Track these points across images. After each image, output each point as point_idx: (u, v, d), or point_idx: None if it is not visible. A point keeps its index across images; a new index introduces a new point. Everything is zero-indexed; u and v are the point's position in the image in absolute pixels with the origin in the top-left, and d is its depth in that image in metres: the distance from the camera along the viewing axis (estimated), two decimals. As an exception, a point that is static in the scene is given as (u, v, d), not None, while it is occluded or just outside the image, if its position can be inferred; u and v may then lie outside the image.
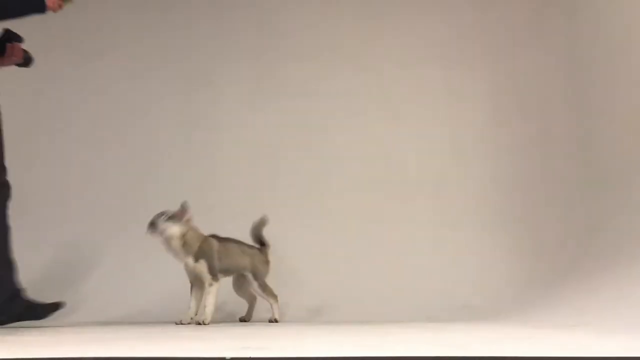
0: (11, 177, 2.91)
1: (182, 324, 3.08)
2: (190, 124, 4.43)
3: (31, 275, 4.08)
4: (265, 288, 3.43)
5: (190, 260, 3.08)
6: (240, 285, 3.49)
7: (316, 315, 3.60)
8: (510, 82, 4.24)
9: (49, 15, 4.57)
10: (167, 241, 3.04)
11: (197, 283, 3.17)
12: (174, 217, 3.03)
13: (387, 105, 4.32)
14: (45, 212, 4.32)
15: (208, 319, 3.04)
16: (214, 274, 3.12)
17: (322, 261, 4.00)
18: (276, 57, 4.43)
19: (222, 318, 3.77)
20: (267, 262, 3.52)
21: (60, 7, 2.65)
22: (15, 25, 4.51)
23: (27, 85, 4.51)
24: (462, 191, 4.15)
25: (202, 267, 3.09)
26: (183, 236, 3.05)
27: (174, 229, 3.01)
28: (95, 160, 4.40)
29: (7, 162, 2.73)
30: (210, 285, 3.08)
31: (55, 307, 2.68)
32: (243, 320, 3.57)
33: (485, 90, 4.27)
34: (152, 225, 2.99)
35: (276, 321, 3.40)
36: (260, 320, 3.57)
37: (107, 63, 4.49)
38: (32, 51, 4.52)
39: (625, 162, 3.35)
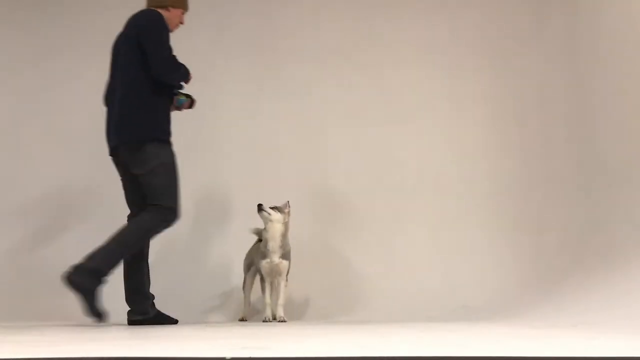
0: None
1: (267, 321, 3.31)
2: (190, 124, 4.42)
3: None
4: None
5: (277, 254, 3.35)
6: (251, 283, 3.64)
7: (316, 315, 3.60)
8: (510, 83, 4.24)
9: (52, 16, 4.58)
10: (271, 225, 3.35)
11: (271, 281, 3.41)
12: (279, 208, 3.41)
13: (387, 106, 4.32)
14: (38, 213, 4.32)
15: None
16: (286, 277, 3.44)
17: (321, 261, 4.00)
18: (276, 57, 4.43)
19: (222, 318, 3.77)
20: None
21: (188, 82, 3.21)
22: (11, 23, 4.51)
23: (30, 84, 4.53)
24: (463, 191, 4.15)
25: (284, 267, 3.39)
26: (284, 225, 3.38)
27: (278, 216, 3.37)
28: (95, 159, 4.39)
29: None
30: (285, 286, 3.40)
31: (172, 321, 3.10)
32: (242, 319, 3.58)
33: (486, 90, 4.27)
34: (260, 207, 3.35)
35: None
36: (259, 321, 3.57)
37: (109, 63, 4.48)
38: (37, 52, 4.53)
39: (625, 162, 3.35)
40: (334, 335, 1.98)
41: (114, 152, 3.11)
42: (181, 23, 3.27)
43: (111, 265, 2.85)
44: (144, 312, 3.06)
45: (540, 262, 3.78)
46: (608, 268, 3.17)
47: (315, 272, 3.93)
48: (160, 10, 3.14)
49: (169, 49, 3.06)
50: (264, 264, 3.35)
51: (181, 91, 3.23)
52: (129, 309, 3.08)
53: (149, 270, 3.14)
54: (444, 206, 4.14)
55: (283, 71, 4.39)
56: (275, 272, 3.37)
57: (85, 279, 2.74)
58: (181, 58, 4.24)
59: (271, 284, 3.43)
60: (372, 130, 4.29)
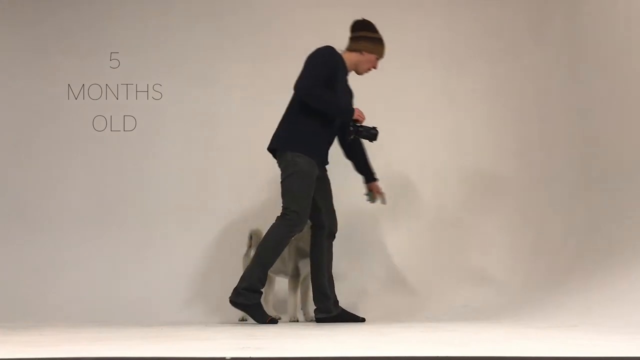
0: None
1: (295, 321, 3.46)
2: (190, 124, 4.43)
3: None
4: None
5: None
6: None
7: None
8: (510, 83, 4.24)
9: (52, 18, 4.58)
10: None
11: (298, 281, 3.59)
12: None
13: (387, 106, 4.31)
14: (36, 214, 4.33)
15: None
16: None
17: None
18: (276, 57, 4.43)
19: (222, 318, 3.77)
20: None
21: (362, 118, 3.37)
22: (10, 23, 4.51)
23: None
24: (462, 191, 4.15)
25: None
26: None
27: None
28: (95, 159, 4.40)
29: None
30: None
31: (358, 319, 3.34)
32: (243, 320, 3.58)
33: (486, 90, 4.27)
34: None
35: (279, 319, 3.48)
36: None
37: (109, 63, 4.49)
38: (35, 54, 4.54)
39: (625, 162, 3.35)
40: (334, 335, 1.98)
41: (274, 156, 3.44)
42: (374, 68, 3.47)
43: (260, 280, 3.17)
44: (327, 310, 3.33)
45: (541, 262, 3.78)
46: (608, 268, 3.17)
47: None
48: (354, 54, 3.42)
49: (312, 81, 3.25)
50: (307, 262, 3.46)
51: (364, 124, 3.36)
52: (315, 307, 3.37)
53: (330, 274, 3.42)
54: (443, 206, 4.14)
55: (283, 72, 4.38)
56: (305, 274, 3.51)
57: (243, 298, 3.13)
58: (182, 62, 4.27)
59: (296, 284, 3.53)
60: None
